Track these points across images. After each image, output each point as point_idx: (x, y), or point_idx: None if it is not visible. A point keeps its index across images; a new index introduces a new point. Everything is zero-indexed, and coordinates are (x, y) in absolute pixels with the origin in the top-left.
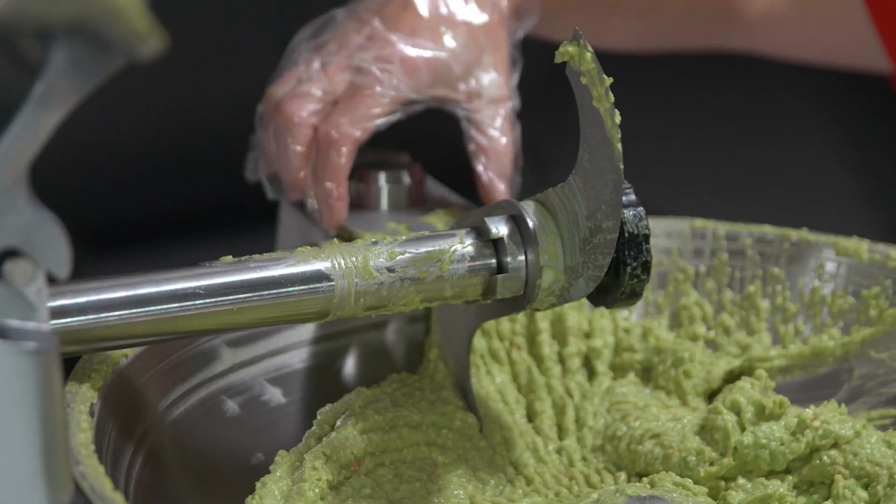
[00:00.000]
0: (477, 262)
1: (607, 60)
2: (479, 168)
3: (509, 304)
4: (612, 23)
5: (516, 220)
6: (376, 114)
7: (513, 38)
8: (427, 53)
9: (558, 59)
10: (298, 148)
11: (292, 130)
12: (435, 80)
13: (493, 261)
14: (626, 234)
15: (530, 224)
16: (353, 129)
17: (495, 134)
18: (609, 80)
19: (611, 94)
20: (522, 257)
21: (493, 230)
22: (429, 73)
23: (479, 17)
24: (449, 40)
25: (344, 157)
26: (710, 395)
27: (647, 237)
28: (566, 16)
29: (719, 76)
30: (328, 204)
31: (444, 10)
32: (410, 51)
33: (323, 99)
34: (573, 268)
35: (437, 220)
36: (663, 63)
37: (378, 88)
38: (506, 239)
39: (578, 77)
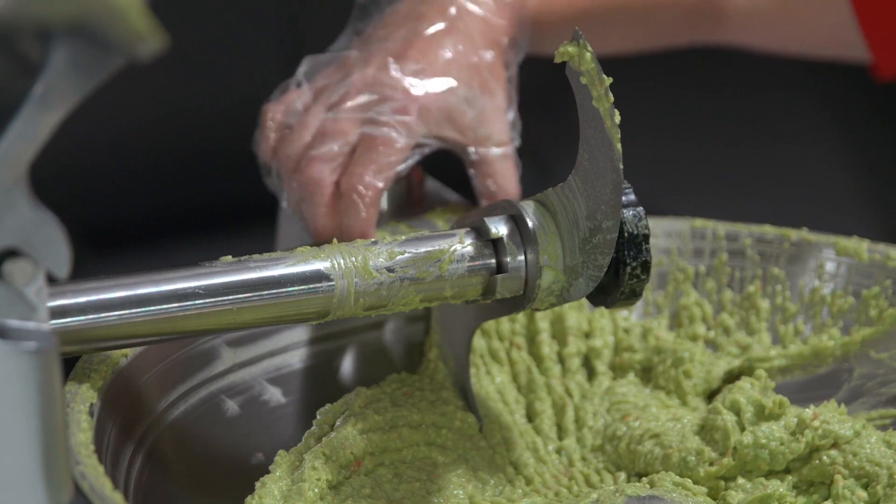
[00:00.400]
0: (476, 262)
1: (607, 61)
2: None
3: (509, 303)
4: (605, 33)
5: (516, 220)
6: (395, 161)
7: (510, 73)
8: (441, 98)
9: (558, 59)
10: (325, 210)
11: (316, 195)
12: (446, 122)
13: (493, 261)
14: (626, 234)
15: (530, 224)
16: (377, 180)
17: (503, 181)
18: (609, 80)
19: (610, 94)
20: (522, 257)
21: (493, 230)
22: (440, 115)
23: (486, 57)
24: (462, 85)
25: (371, 209)
26: (710, 395)
27: (646, 237)
28: (559, 31)
29: (719, 77)
30: None
31: (455, 51)
32: (425, 96)
33: (340, 154)
34: (573, 268)
35: (437, 217)
36: (663, 63)
37: (395, 136)
38: (505, 239)
39: (578, 77)
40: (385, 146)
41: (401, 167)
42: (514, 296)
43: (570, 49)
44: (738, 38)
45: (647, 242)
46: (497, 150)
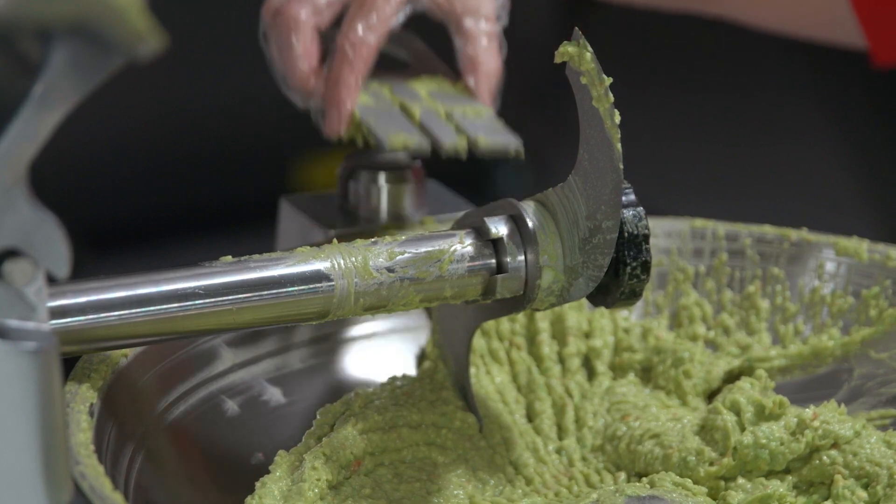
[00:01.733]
0: (477, 262)
1: (606, 60)
2: (470, 83)
3: (509, 304)
4: None
5: (516, 220)
6: (389, 15)
7: None
8: None
9: (558, 60)
10: (302, 50)
11: (295, 33)
12: None
13: (493, 261)
14: (626, 234)
15: (530, 224)
16: (370, 34)
17: (486, 54)
18: (609, 80)
19: (610, 94)
20: (522, 257)
21: (493, 230)
22: None
23: None
24: None
25: (363, 64)
26: (710, 395)
27: (646, 237)
28: None
29: (719, 77)
30: (339, 112)
31: None
32: None
33: (323, 2)
34: (573, 268)
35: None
36: (663, 63)
37: None
38: (505, 239)
39: (578, 77)
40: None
41: (394, 21)
42: (513, 296)
43: (570, 49)
44: (732, 12)
45: (647, 242)
46: (484, 25)
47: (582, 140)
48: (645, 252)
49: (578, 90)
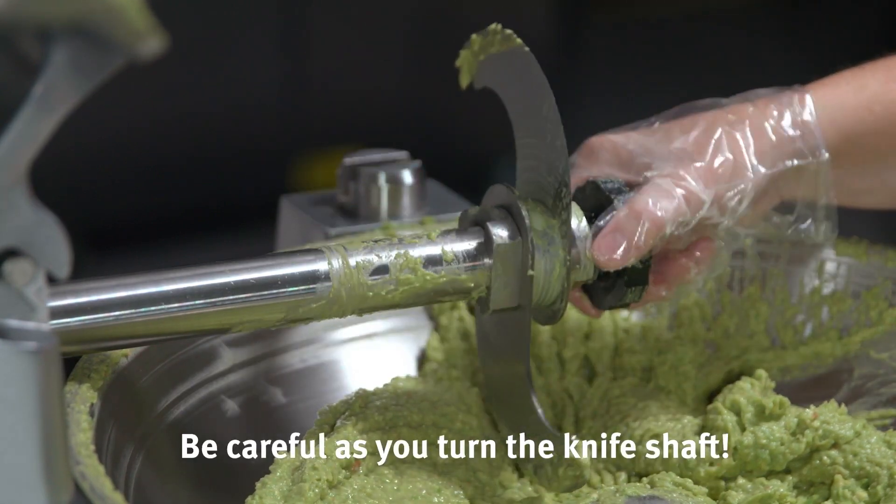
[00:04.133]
0: (476, 262)
1: (606, 59)
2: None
3: (535, 313)
4: None
5: (515, 219)
6: None
7: None
8: None
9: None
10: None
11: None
12: None
13: (492, 260)
14: None
15: (527, 221)
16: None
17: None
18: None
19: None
20: (521, 255)
21: (492, 229)
22: None
23: None
24: None
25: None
26: (710, 395)
27: None
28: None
29: (720, 77)
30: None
31: None
32: None
33: None
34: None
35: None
36: (664, 63)
37: None
38: (505, 238)
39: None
40: None
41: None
42: (528, 301)
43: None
44: None
45: None
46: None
47: (517, 130)
48: None
49: (499, 85)
